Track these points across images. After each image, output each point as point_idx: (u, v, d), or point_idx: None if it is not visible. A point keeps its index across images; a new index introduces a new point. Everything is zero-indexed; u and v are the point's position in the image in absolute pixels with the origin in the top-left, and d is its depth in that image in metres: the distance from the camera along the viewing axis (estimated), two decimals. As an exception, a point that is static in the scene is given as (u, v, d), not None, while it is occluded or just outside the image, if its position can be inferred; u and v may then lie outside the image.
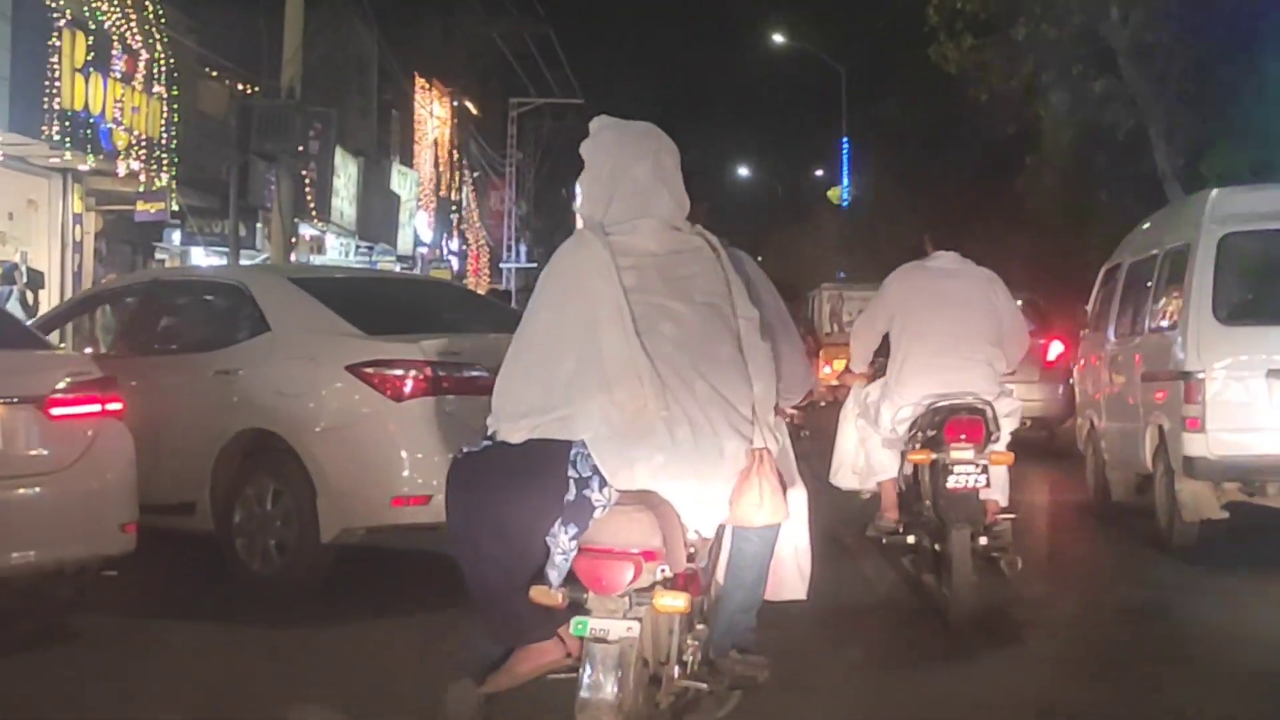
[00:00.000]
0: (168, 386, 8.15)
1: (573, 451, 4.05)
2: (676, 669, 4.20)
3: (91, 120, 17.56)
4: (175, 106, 20.38)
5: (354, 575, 7.87)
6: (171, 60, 20.35)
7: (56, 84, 16.53)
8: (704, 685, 4.31)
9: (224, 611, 7.24)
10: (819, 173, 58.37)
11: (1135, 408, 9.87)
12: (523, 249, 52.89)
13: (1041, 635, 7.12)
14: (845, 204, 45.84)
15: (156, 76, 19.62)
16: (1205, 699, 5.82)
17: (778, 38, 47.93)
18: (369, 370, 7.25)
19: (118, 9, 18.36)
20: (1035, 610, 7.59)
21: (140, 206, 20.77)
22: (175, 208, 20.94)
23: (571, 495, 4.02)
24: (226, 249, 22.84)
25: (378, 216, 32.25)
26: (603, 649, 3.84)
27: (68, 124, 16.87)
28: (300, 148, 21.58)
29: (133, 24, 19.08)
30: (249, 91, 20.79)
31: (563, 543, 4.01)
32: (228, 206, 22.45)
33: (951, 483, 6.93)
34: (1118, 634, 7.18)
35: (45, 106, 16.40)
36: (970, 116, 28.34)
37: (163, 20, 20.41)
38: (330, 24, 33.88)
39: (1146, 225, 11.30)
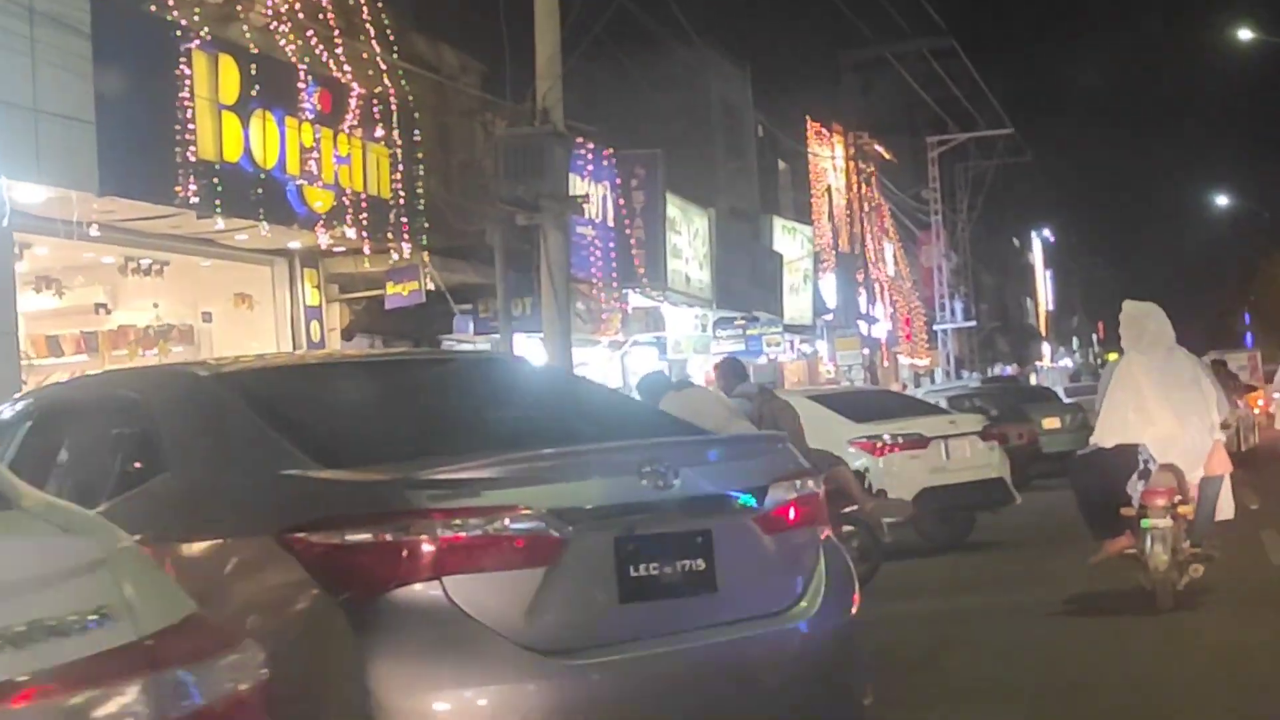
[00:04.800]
0: None
1: (1140, 446, 9.27)
2: (1186, 543, 9.23)
3: (263, 175, 13.11)
4: (419, 156, 15.82)
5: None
6: (410, 99, 15.85)
7: (190, 128, 12.13)
8: (1201, 552, 9.30)
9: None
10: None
11: None
12: (958, 306, 45.94)
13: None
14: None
15: (380, 119, 15.10)
16: None
17: (1244, 33, 41.69)
18: None
19: (297, 33, 13.96)
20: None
21: (390, 290, 16.35)
22: (431, 286, 16.34)
23: (1141, 466, 9.18)
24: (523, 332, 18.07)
25: (752, 281, 26.89)
26: (1158, 533, 8.92)
27: (216, 181, 12.42)
28: (583, 198, 16.63)
29: (337, 50, 14.66)
30: (500, 123, 16.01)
31: (1138, 488, 9.11)
32: (516, 280, 17.62)
33: None
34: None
35: (179, 159, 12.03)
36: None
37: (394, 48, 15.96)
38: (693, 68, 29.22)
39: None
